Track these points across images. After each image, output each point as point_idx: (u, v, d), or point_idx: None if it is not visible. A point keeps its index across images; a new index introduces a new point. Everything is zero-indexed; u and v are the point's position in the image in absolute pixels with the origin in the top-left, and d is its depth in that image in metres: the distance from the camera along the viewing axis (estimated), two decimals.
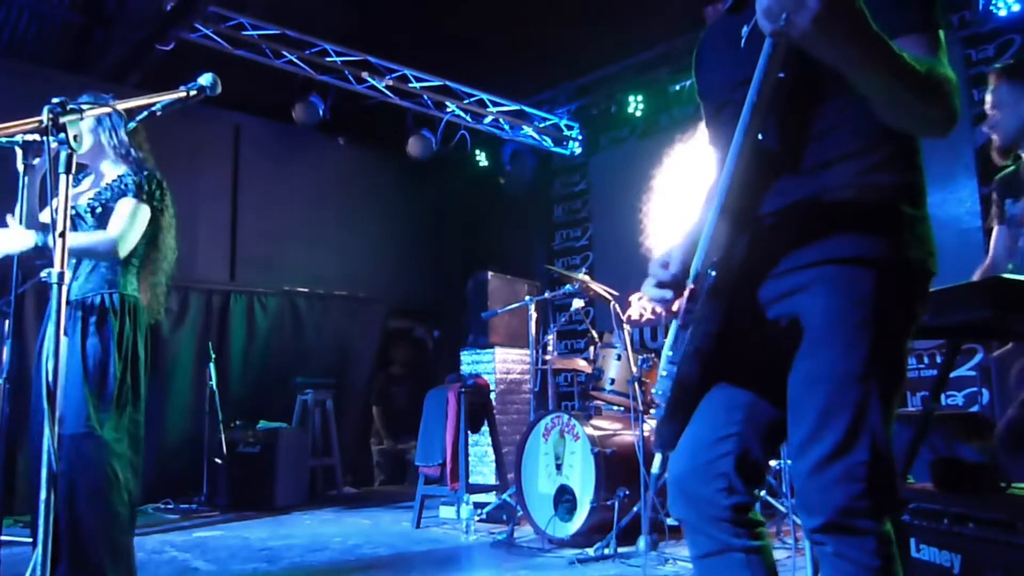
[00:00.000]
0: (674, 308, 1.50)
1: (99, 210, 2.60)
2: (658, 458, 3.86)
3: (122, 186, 2.61)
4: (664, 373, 1.43)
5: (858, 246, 1.26)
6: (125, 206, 2.59)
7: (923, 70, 1.15)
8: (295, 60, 5.89)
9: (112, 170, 2.70)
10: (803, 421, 1.27)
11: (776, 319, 1.35)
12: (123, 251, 2.56)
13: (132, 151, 2.69)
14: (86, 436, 2.41)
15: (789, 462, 3.83)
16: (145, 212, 2.62)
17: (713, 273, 1.30)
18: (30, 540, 2.52)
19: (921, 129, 1.29)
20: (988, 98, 2.71)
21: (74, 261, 2.57)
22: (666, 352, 1.45)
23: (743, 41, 1.41)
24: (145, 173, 2.65)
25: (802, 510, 1.28)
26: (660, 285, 1.48)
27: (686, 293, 1.40)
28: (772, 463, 3.94)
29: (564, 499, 3.97)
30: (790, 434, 1.31)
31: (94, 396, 2.46)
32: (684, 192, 6.54)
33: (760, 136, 1.26)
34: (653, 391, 1.62)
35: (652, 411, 3.93)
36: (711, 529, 1.38)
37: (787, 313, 1.32)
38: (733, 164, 1.28)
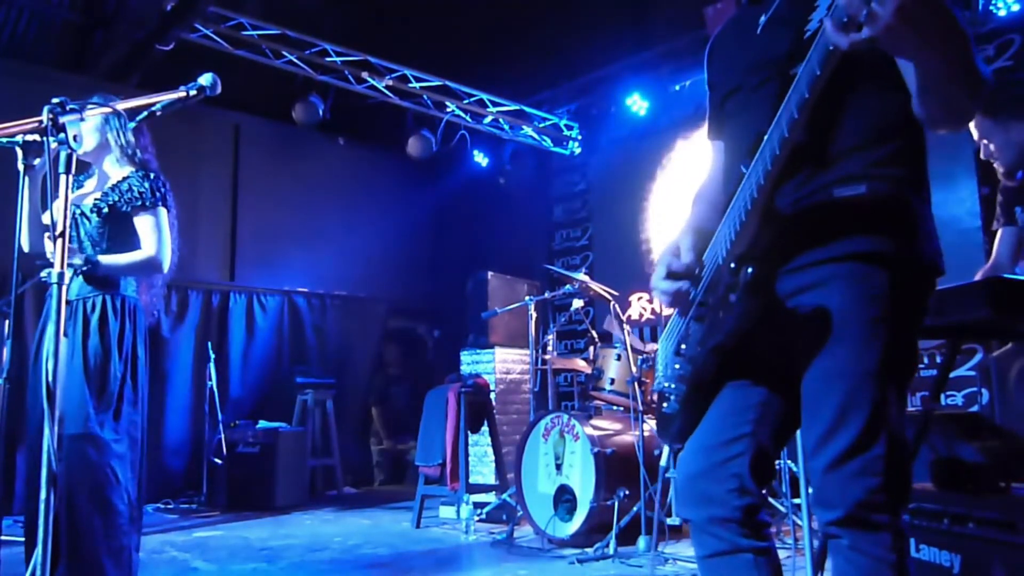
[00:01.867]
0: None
1: (105, 211, 2.60)
2: (666, 451, 3.84)
3: (133, 194, 2.61)
4: (677, 367, 1.40)
5: (872, 242, 1.26)
6: (148, 221, 2.63)
7: (980, 64, 1.14)
8: (295, 60, 5.88)
9: (117, 170, 2.70)
10: (820, 418, 1.27)
11: (790, 314, 1.33)
12: (166, 265, 2.66)
13: (138, 152, 2.69)
14: (86, 437, 2.41)
15: (790, 462, 3.84)
16: (165, 216, 2.68)
17: (751, 270, 1.28)
18: (24, 540, 2.51)
19: (947, 121, 1.25)
20: (973, 130, 2.81)
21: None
22: (672, 343, 1.42)
23: (759, 28, 1.40)
24: (151, 176, 2.66)
25: (818, 504, 1.28)
26: (672, 275, 1.43)
27: (702, 285, 1.37)
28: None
29: (564, 499, 3.97)
30: (805, 430, 1.30)
31: (94, 397, 2.46)
32: (684, 192, 6.54)
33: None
34: (656, 384, 1.59)
35: (663, 405, 3.92)
36: (720, 529, 1.37)
37: (802, 309, 1.31)
38: (771, 157, 1.24)
